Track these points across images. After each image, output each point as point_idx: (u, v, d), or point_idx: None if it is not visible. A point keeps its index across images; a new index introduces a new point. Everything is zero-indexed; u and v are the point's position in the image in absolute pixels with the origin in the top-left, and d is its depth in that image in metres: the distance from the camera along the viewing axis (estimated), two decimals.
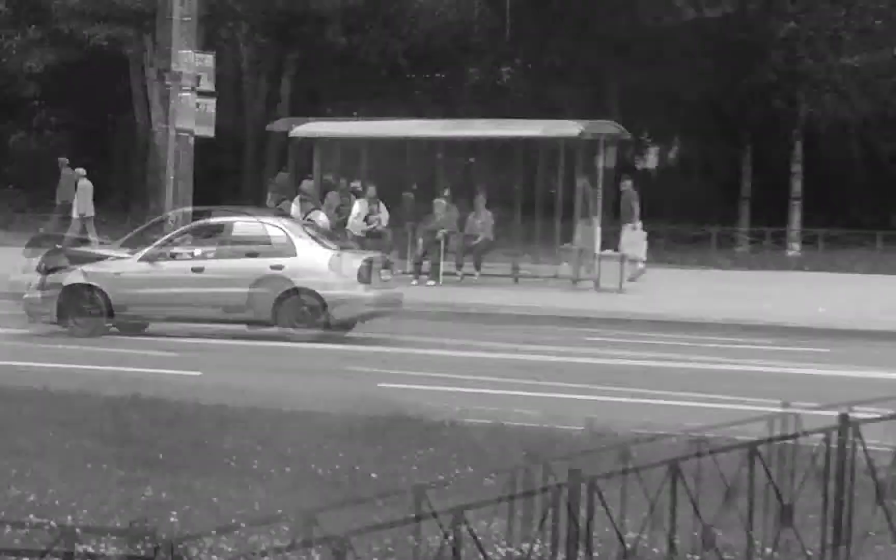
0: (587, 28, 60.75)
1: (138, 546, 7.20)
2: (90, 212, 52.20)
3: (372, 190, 44.32)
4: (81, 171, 54.24)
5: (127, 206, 43.08)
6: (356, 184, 44.81)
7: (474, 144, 48.51)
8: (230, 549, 10.95)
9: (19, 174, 62.50)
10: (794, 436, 12.50)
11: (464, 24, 62.16)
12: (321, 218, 41.64)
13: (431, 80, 62.10)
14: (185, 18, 39.21)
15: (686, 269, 50.36)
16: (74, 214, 53.24)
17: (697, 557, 11.18)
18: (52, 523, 12.93)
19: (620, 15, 59.08)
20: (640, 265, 45.67)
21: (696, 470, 11.28)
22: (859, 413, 12.72)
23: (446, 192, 46.05)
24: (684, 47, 59.31)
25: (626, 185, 47.59)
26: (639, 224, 46.07)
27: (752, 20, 57.73)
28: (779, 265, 54.01)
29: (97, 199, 50.42)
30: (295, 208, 42.57)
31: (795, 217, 60.41)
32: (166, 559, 8.27)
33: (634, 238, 45.71)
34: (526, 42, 63.79)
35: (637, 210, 46.97)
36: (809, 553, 12.19)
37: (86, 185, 53.99)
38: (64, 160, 55.48)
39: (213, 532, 12.05)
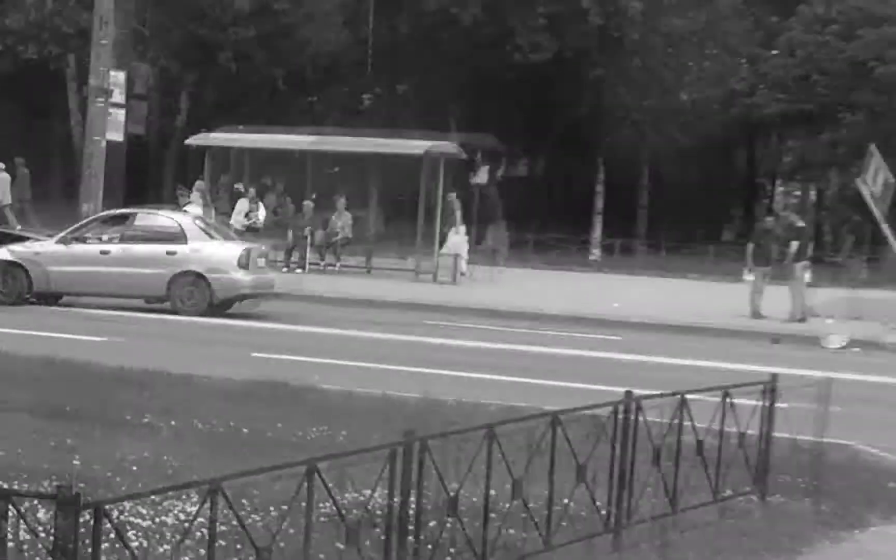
0: (434, 70, 61.01)
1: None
2: (7, 200, 51.79)
3: (252, 191, 44.38)
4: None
5: (67, 204, 42.53)
6: (242, 185, 44.86)
7: (339, 157, 48.57)
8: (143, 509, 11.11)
9: None
10: (591, 407, 12.87)
11: (333, 56, 62.18)
12: (194, 210, 41.73)
13: (306, 103, 61.87)
14: (103, 42, 39.28)
15: (539, 271, 50.25)
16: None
17: (508, 504, 11.43)
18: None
19: (463, 63, 59.17)
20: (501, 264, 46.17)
21: (510, 434, 11.59)
22: (643, 391, 13.11)
23: (313, 196, 46.29)
24: (510, 86, 59.44)
25: (451, 195, 47.46)
26: (462, 229, 46.06)
27: (568, 66, 57.82)
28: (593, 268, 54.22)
29: (40, 199, 50.02)
30: (196, 202, 42.72)
31: (598, 228, 60.91)
32: (89, 517, 8.50)
33: (458, 241, 45.75)
34: (383, 74, 63.90)
35: (459, 217, 46.82)
36: (598, 504, 12.50)
37: (4, 177, 53.60)
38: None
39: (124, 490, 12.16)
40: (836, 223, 51.93)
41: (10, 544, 8.34)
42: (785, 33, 59.31)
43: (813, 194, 61.64)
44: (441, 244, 45.06)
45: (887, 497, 15.64)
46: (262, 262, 34.56)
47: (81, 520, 8.33)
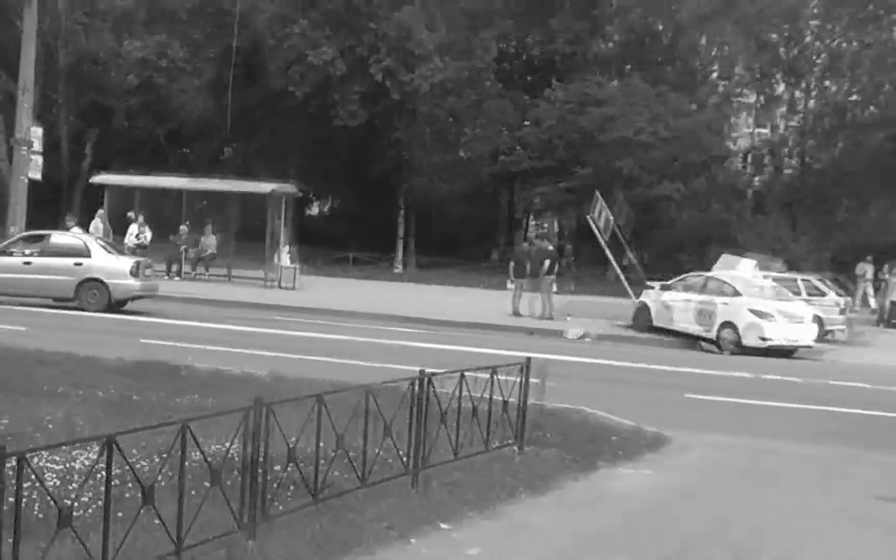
0: (278, 131, 60.87)
1: None
2: None
3: (141, 217, 43.85)
4: None
5: None
6: (133, 213, 44.26)
7: (207, 194, 48.12)
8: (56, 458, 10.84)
9: None
10: (395, 381, 12.80)
11: (201, 119, 61.65)
12: (94, 227, 42.16)
13: (181, 153, 61.22)
14: (25, 105, 38.74)
15: (357, 280, 50.05)
16: None
17: (334, 453, 11.31)
18: None
19: (299, 126, 58.98)
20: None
21: (336, 401, 11.46)
22: (433, 370, 13.03)
23: (187, 222, 45.83)
24: (334, 143, 59.34)
25: (281, 229, 46.87)
26: (286, 247, 45.82)
27: (376, 130, 57.85)
28: (400, 279, 54.19)
29: None
30: (97, 228, 42.28)
31: (400, 250, 60.93)
32: (13, 467, 8.20)
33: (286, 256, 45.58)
34: (240, 133, 63.54)
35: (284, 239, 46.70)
36: (401, 453, 12.41)
37: None
38: None
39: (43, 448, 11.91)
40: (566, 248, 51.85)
41: None
42: (534, 110, 59.47)
43: (556, 226, 61.90)
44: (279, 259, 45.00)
45: (611, 447, 15.77)
46: (148, 271, 34.13)
47: (8, 466, 8.10)
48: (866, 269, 48.49)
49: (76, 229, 38.96)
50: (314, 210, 69.78)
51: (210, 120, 62.59)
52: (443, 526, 11.44)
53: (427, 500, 12.05)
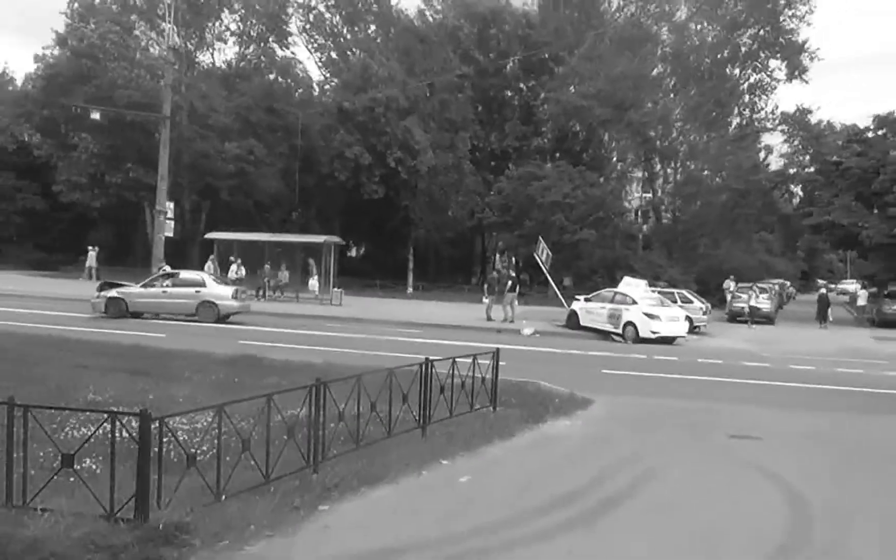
0: (326, 200, 60.89)
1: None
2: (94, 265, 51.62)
3: (238, 260, 43.78)
4: (94, 249, 52.90)
5: (144, 268, 41.62)
6: (233, 257, 44.19)
7: (281, 244, 48.03)
8: (184, 420, 10.79)
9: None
10: (409, 365, 12.67)
11: (277, 193, 61.76)
12: (208, 268, 41.46)
13: (263, 217, 61.18)
14: (163, 188, 38.68)
15: (380, 299, 49.80)
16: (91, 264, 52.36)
17: (369, 415, 11.21)
18: (113, 407, 12.37)
19: (340, 197, 59.02)
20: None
21: (370, 380, 11.35)
22: (434, 357, 12.92)
23: (268, 262, 45.69)
24: (363, 209, 59.34)
25: (311, 262, 46.83)
26: (315, 276, 45.77)
27: (391, 199, 57.88)
28: (410, 298, 54.15)
29: (130, 265, 49.26)
30: (209, 268, 42.09)
31: (410, 277, 60.70)
32: (156, 426, 8.05)
33: (314, 283, 45.61)
34: (302, 202, 63.51)
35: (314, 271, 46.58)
36: (414, 415, 12.29)
37: (93, 255, 52.97)
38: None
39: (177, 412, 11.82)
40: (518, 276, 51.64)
41: (118, 440, 8.04)
42: (496, 184, 59.44)
43: (513, 260, 61.91)
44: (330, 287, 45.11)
45: (554, 407, 15.68)
46: (243, 295, 33.92)
47: (153, 427, 8.02)
48: (730, 284, 48.73)
49: (167, 268, 38.85)
50: (352, 253, 69.64)
51: (282, 195, 62.64)
52: (443, 462, 11.39)
53: (431, 445, 12.01)
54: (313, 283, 45.73)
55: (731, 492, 10.95)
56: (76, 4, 63.71)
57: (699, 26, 62.77)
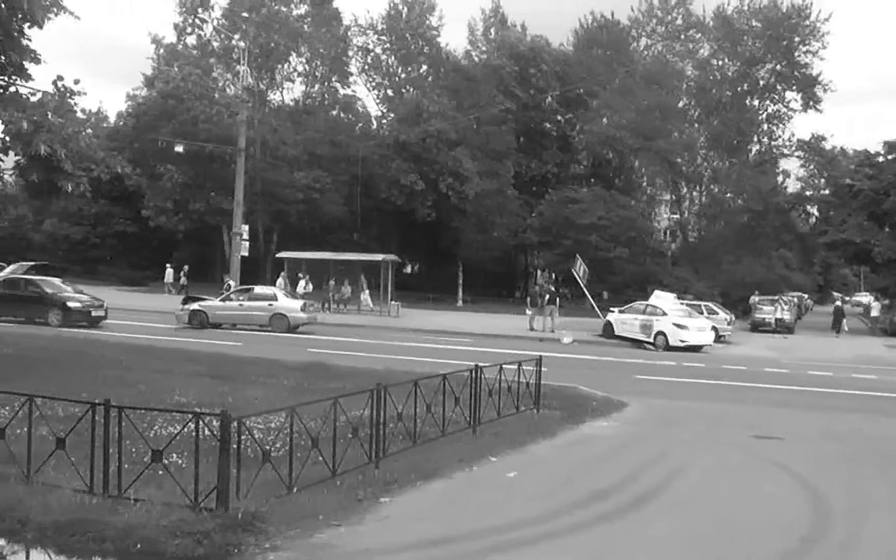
0: (384, 222, 61.04)
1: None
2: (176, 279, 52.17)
3: (307, 277, 44.12)
4: (184, 268, 53.45)
5: (222, 284, 41.86)
6: (301, 274, 44.49)
7: (344, 262, 48.12)
8: (259, 420, 10.85)
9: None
10: (460, 371, 12.62)
11: (340, 217, 62.02)
12: (279, 283, 41.67)
13: (328, 238, 61.37)
14: (238, 212, 39.04)
15: (433, 311, 49.73)
16: (168, 280, 52.96)
17: (425, 416, 11.18)
18: (197, 408, 12.48)
19: (396, 219, 59.10)
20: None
21: (426, 383, 11.31)
22: (483, 363, 12.86)
23: (333, 279, 45.92)
24: (417, 230, 59.37)
25: (363, 278, 46.90)
26: (366, 290, 45.78)
27: (442, 221, 57.79)
28: (460, 310, 54.06)
29: (209, 282, 49.76)
30: (280, 283, 42.36)
31: (460, 291, 60.38)
32: (235, 425, 8.10)
33: (365, 298, 45.79)
34: (363, 224, 63.62)
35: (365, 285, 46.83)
36: (465, 416, 12.26)
37: (170, 272, 53.49)
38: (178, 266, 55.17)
39: (252, 413, 11.88)
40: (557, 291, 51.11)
41: (201, 438, 8.10)
42: (537, 207, 59.32)
43: (553, 275, 61.56)
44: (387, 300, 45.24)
45: (592, 409, 15.58)
46: (311, 308, 34.05)
47: (232, 426, 8.07)
48: (755, 298, 48.10)
49: (231, 282, 39.14)
50: (407, 269, 69.75)
51: (345, 218, 62.95)
52: (492, 459, 11.32)
53: (481, 443, 11.96)
54: (365, 296, 45.90)
55: (754, 487, 10.77)
56: (161, 50, 64.80)
57: (720, 62, 62.23)
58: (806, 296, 73.84)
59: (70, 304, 30.28)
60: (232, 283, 39.27)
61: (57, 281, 32.96)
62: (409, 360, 22.38)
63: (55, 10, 13.90)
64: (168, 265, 55.56)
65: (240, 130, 40.90)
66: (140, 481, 8.32)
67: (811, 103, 59.01)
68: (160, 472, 8.50)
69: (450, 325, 37.31)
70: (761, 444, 13.54)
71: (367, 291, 46.03)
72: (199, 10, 64.53)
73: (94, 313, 30.72)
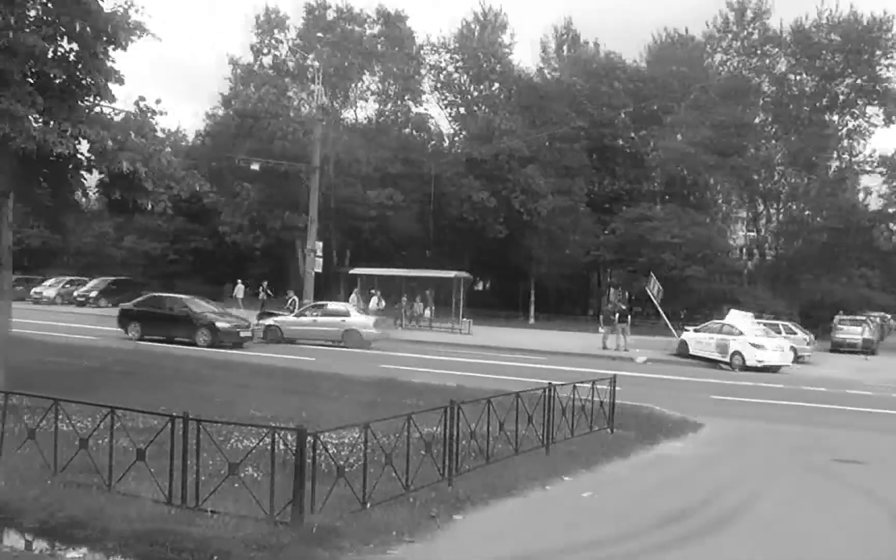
0: (456, 239, 61.22)
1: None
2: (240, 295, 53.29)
3: (379, 293, 44.44)
4: (263, 283, 54.05)
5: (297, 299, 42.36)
6: (373, 290, 44.81)
7: (416, 278, 48.32)
8: (333, 435, 10.92)
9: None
10: (533, 389, 12.54)
11: (412, 234, 62.17)
12: (352, 300, 41.91)
13: (401, 255, 61.78)
14: (312, 230, 39.54)
15: (504, 328, 49.55)
16: (238, 295, 53.77)
17: (498, 433, 11.13)
18: (272, 423, 12.64)
19: (468, 237, 59.24)
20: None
21: (499, 401, 11.26)
22: (556, 382, 12.75)
23: (405, 295, 46.19)
24: (489, 247, 59.27)
25: (426, 293, 47.11)
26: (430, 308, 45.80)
27: (514, 238, 57.74)
28: (531, 327, 53.76)
29: (282, 295, 50.40)
30: (353, 300, 42.64)
31: (532, 308, 60.13)
32: (310, 440, 8.16)
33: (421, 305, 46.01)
34: (436, 241, 63.84)
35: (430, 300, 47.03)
36: (538, 434, 12.16)
37: (241, 287, 54.42)
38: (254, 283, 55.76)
39: (325, 428, 11.97)
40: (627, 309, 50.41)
41: (276, 452, 8.17)
42: (610, 224, 58.90)
43: (626, 294, 60.84)
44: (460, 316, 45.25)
45: (667, 430, 15.32)
46: (383, 324, 34.32)
47: (308, 440, 8.14)
48: (839, 318, 46.85)
49: (295, 297, 39.37)
50: (479, 286, 69.65)
51: (417, 235, 63.17)
52: (565, 478, 11.21)
53: (554, 462, 11.83)
54: (418, 306, 46.08)
55: (836, 513, 10.45)
56: (238, 70, 66.12)
57: (798, 77, 60.84)
58: (889, 316, 71.71)
59: (219, 324, 30.19)
60: (295, 297, 39.70)
61: (201, 300, 33.22)
62: (481, 378, 22.35)
63: (138, 32, 14.24)
64: (238, 280, 56.55)
65: (314, 149, 41.40)
66: (217, 493, 8.44)
67: (894, 117, 57.44)
68: (236, 485, 8.62)
69: (521, 343, 37.09)
70: (844, 468, 13.14)
71: (431, 307, 46.21)
72: (276, 31, 65.74)
73: (241, 334, 30.58)
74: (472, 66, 67.09)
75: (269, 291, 48.91)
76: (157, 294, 35.60)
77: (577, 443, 13.02)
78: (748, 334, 32.21)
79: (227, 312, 32.59)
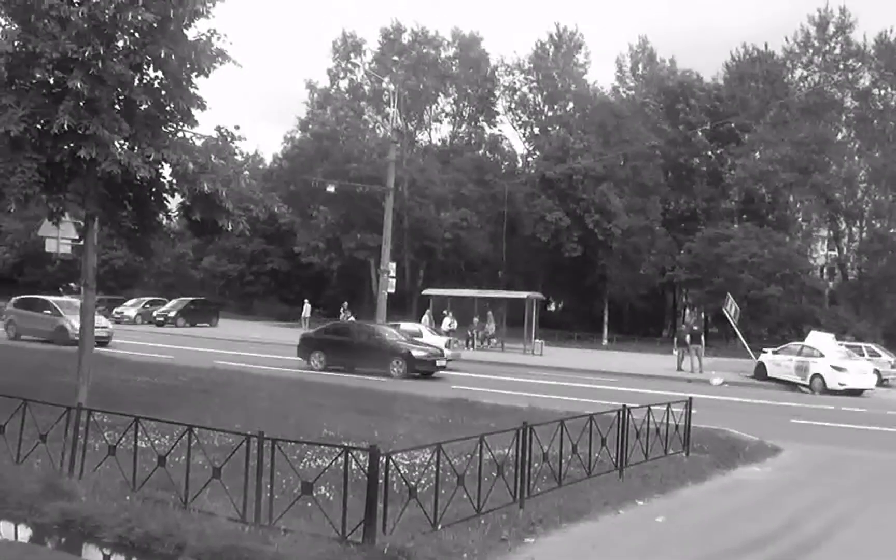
0: (529, 260, 61.07)
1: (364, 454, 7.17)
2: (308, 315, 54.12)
3: (451, 313, 44.46)
4: (344, 304, 54.53)
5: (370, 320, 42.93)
6: (446, 311, 44.84)
7: (488, 299, 48.33)
8: (405, 455, 10.94)
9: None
10: (607, 412, 12.40)
11: (485, 255, 62.29)
12: (424, 320, 42.00)
13: (473, 275, 61.96)
14: (386, 250, 39.82)
15: (578, 349, 49.19)
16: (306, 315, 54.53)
17: (570, 456, 11.02)
18: (344, 442, 12.69)
19: (542, 257, 59.07)
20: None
21: (572, 423, 11.16)
22: (630, 404, 12.58)
23: (477, 315, 46.10)
24: (564, 267, 58.95)
25: (489, 313, 46.77)
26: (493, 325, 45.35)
27: (588, 258, 57.40)
28: (605, 349, 53.23)
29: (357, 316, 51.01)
30: (426, 320, 42.74)
31: (605, 329, 59.50)
32: (382, 460, 8.18)
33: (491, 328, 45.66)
34: (509, 261, 63.73)
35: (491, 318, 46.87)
36: (612, 457, 12.02)
37: (308, 307, 55.20)
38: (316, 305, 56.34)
39: (398, 448, 11.97)
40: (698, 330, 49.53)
41: (347, 470, 8.23)
42: (686, 243, 58.18)
43: (702, 315, 59.90)
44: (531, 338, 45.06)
45: (744, 454, 14.98)
46: (455, 345, 34.35)
47: (381, 460, 8.18)
48: None
49: (349, 314, 38.99)
50: (552, 307, 69.27)
51: (490, 256, 63.40)
52: (639, 502, 11.04)
53: (628, 486, 11.67)
54: (490, 327, 45.99)
55: None
56: (315, 94, 67.25)
57: (883, 91, 59.29)
58: None
59: (415, 353, 28.33)
60: (348, 312, 39.45)
61: (386, 326, 32.16)
62: (553, 399, 22.16)
63: (220, 59, 14.58)
64: (305, 301, 57.26)
65: (389, 170, 41.80)
66: (290, 512, 8.53)
67: None
68: (309, 504, 8.69)
69: (595, 365, 36.74)
70: None
71: (493, 323, 46.12)
72: (352, 55, 66.74)
73: (438, 362, 28.97)
74: (546, 86, 67.17)
75: (348, 312, 49.20)
76: (343, 320, 34.99)
77: (652, 466, 12.81)
78: (829, 356, 31.33)
79: (413, 339, 30.95)
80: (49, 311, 34.44)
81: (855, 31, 59.18)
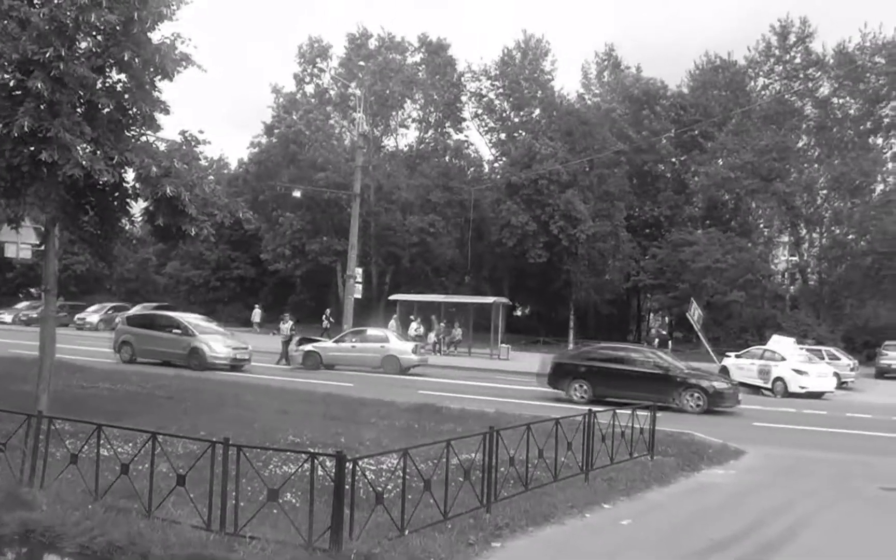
0: (495, 265, 61.19)
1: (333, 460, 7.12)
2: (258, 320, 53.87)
3: (418, 319, 44.42)
4: (326, 311, 53.98)
5: (335, 326, 42.52)
6: (412, 317, 44.79)
7: (455, 304, 48.38)
8: (372, 461, 10.89)
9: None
10: (573, 415, 12.41)
11: (451, 260, 62.33)
12: (391, 325, 41.74)
13: (439, 280, 61.95)
14: (352, 256, 39.61)
15: (541, 354, 49.24)
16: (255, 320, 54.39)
17: (536, 460, 11.02)
18: (311, 448, 12.62)
19: (507, 262, 59.18)
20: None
21: (538, 428, 11.16)
22: (596, 409, 12.61)
23: (444, 321, 46.17)
24: (529, 272, 59.07)
25: (455, 320, 47.07)
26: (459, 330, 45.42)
27: (553, 264, 57.56)
28: None
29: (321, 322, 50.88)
30: (392, 325, 42.54)
31: (571, 334, 59.35)
32: (349, 466, 8.11)
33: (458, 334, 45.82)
34: (474, 267, 63.80)
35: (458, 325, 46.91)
36: (578, 461, 12.00)
37: (257, 312, 55.19)
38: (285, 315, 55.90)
39: (365, 453, 11.94)
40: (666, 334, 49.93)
41: (313, 477, 8.16)
42: (650, 249, 58.60)
43: (666, 319, 60.38)
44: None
45: (708, 456, 15.11)
46: (422, 350, 34.34)
47: (347, 466, 8.11)
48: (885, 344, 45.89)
49: (290, 321, 36.52)
50: (518, 312, 69.39)
51: (456, 260, 63.35)
52: (605, 506, 11.07)
53: (594, 489, 11.71)
54: (457, 332, 46.12)
55: (886, 542, 10.21)
56: (281, 99, 66.87)
57: (842, 100, 60.17)
58: None
59: (717, 385, 24.10)
60: (289, 318, 38.74)
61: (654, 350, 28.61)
62: (519, 404, 22.21)
63: (184, 63, 14.44)
64: (256, 306, 56.98)
65: (355, 176, 41.69)
66: (256, 519, 8.44)
67: None
68: (275, 511, 8.61)
69: None
70: (892, 496, 12.86)
71: (460, 330, 46.16)
72: (318, 59, 66.47)
73: (739, 396, 24.36)
74: (513, 92, 67.30)
75: (331, 319, 48.72)
76: (612, 344, 29.93)
77: (617, 470, 12.87)
78: (790, 360, 31.67)
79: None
80: (178, 330, 30.61)
81: (815, 42, 60.12)
